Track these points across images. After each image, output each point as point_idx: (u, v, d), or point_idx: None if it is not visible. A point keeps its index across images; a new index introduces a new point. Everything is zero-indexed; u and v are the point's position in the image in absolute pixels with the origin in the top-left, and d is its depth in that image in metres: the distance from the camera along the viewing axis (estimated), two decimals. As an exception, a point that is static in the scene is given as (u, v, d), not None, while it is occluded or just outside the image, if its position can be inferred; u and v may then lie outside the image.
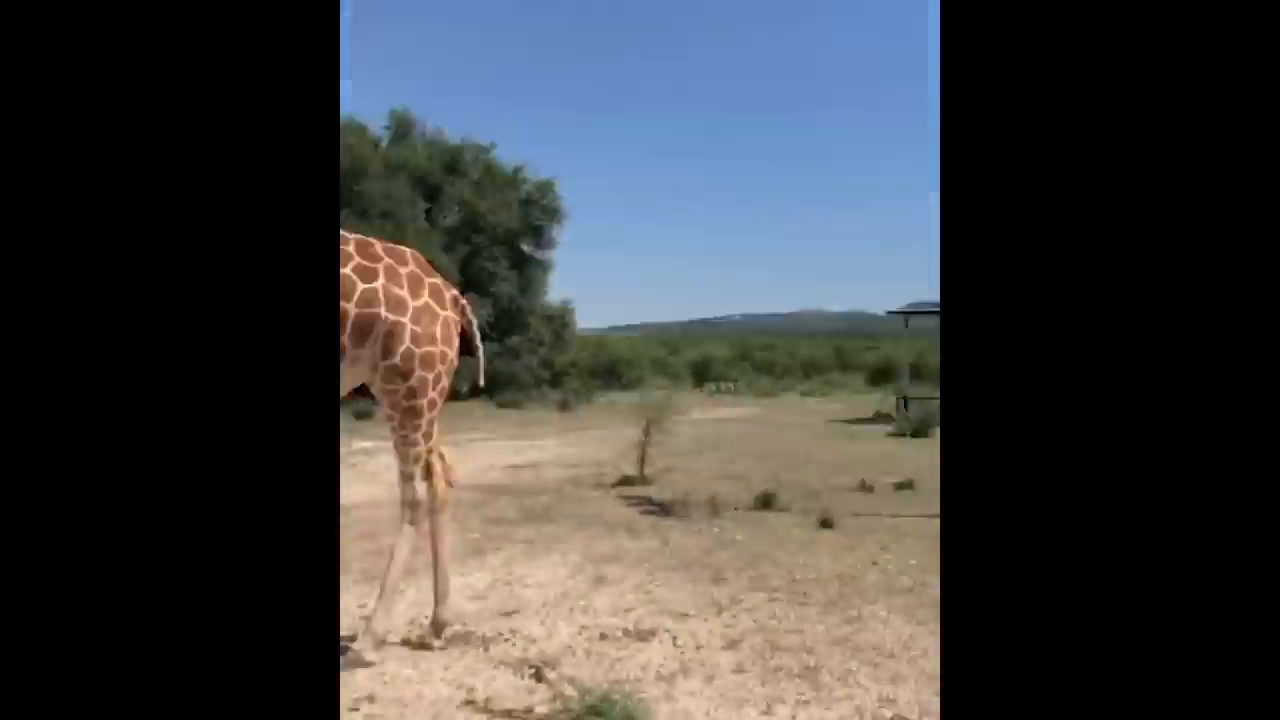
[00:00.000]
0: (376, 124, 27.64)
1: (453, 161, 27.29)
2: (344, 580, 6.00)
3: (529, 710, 3.83)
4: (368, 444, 13.78)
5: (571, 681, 3.76)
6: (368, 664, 4.35)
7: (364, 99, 77.17)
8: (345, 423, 16.69)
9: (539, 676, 3.82)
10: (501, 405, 23.15)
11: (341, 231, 4.55)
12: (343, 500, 9.13)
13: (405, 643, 4.72)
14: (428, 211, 25.54)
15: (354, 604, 5.42)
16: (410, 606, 5.34)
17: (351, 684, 4.14)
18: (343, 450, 13.35)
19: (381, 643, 4.48)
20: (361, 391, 4.62)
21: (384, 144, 26.98)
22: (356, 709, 3.85)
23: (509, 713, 3.83)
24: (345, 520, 8.12)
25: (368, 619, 4.59)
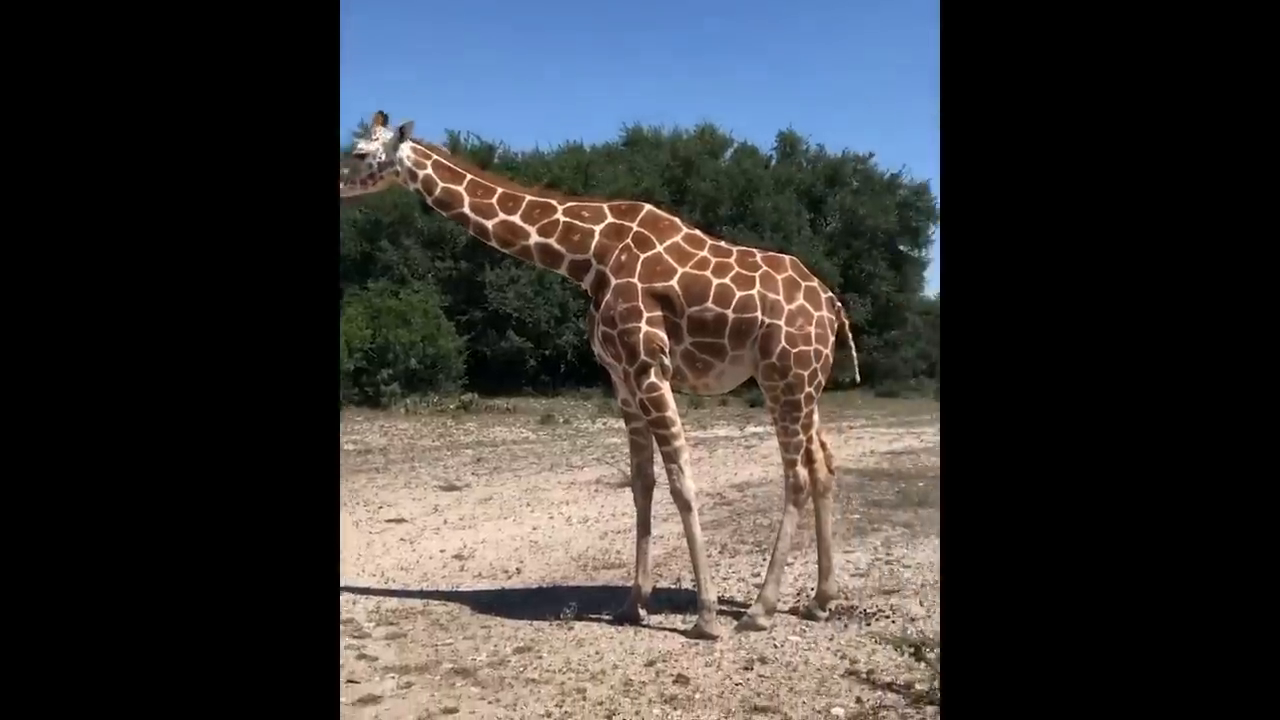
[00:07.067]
0: (766, 145, 28.44)
1: (834, 173, 27.21)
2: (740, 549, 6.17)
3: (909, 686, 3.68)
4: (759, 429, 14.06)
5: (951, 663, 3.55)
6: (759, 629, 4.42)
7: (754, 124, 78.24)
8: (739, 408, 17.22)
9: (919, 655, 3.66)
10: (880, 395, 22.70)
11: (724, 244, 4.72)
12: (737, 478, 9.42)
13: (793, 612, 4.73)
14: (811, 221, 25.65)
15: (748, 573, 5.55)
16: (797, 579, 5.35)
17: (746, 645, 4.23)
18: (738, 433, 13.78)
19: (772, 610, 4.54)
20: (753, 382, 4.72)
21: (773, 163, 27.53)
22: (749, 668, 3.93)
23: (889, 685, 3.71)
24: (740, 496, 8.37)
25: (760, 588, 4.68)
